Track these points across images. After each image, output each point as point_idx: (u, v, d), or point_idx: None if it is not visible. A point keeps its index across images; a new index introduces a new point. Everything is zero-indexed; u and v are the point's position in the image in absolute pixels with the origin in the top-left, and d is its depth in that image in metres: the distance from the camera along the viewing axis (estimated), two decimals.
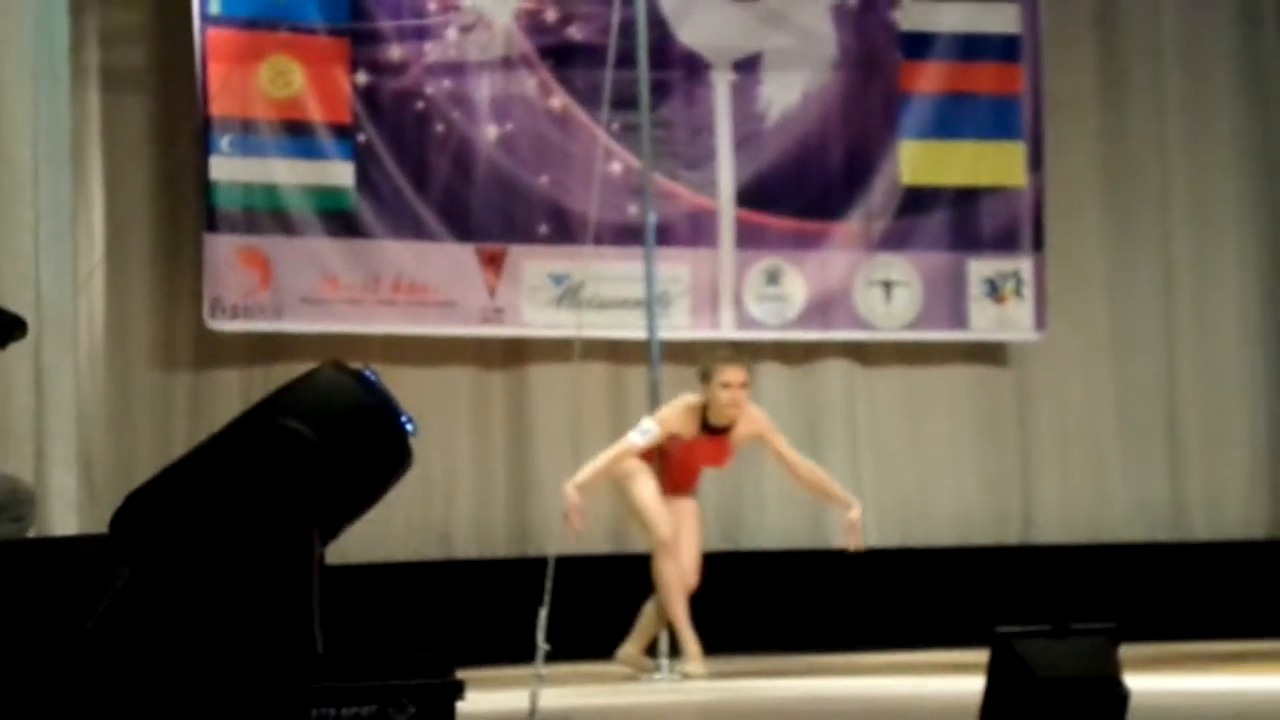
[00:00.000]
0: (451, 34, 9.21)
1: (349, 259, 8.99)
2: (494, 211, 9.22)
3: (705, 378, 7.62)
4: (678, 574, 7.62)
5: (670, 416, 7.61)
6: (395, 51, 9.12)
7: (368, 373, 4.30)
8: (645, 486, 7.63)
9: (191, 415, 8.84)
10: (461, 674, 4.13)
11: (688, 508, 7.69)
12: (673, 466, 7.65)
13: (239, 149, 8.80)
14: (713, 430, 7.62)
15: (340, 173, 8.99)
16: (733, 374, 7.60)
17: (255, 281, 8.83)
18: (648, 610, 7.73)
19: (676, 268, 8.92)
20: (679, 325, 9.16)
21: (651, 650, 7.71)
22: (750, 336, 9.33)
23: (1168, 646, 8.56)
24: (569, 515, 7.45)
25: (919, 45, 9.74)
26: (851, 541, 7.74)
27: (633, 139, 8.86)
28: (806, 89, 9.62)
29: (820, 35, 9.64)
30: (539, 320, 9.22)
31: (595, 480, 7.58)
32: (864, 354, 9.78)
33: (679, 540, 7.60)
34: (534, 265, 9.24)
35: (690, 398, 7.65)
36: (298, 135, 8.92)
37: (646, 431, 7.55)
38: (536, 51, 9.29)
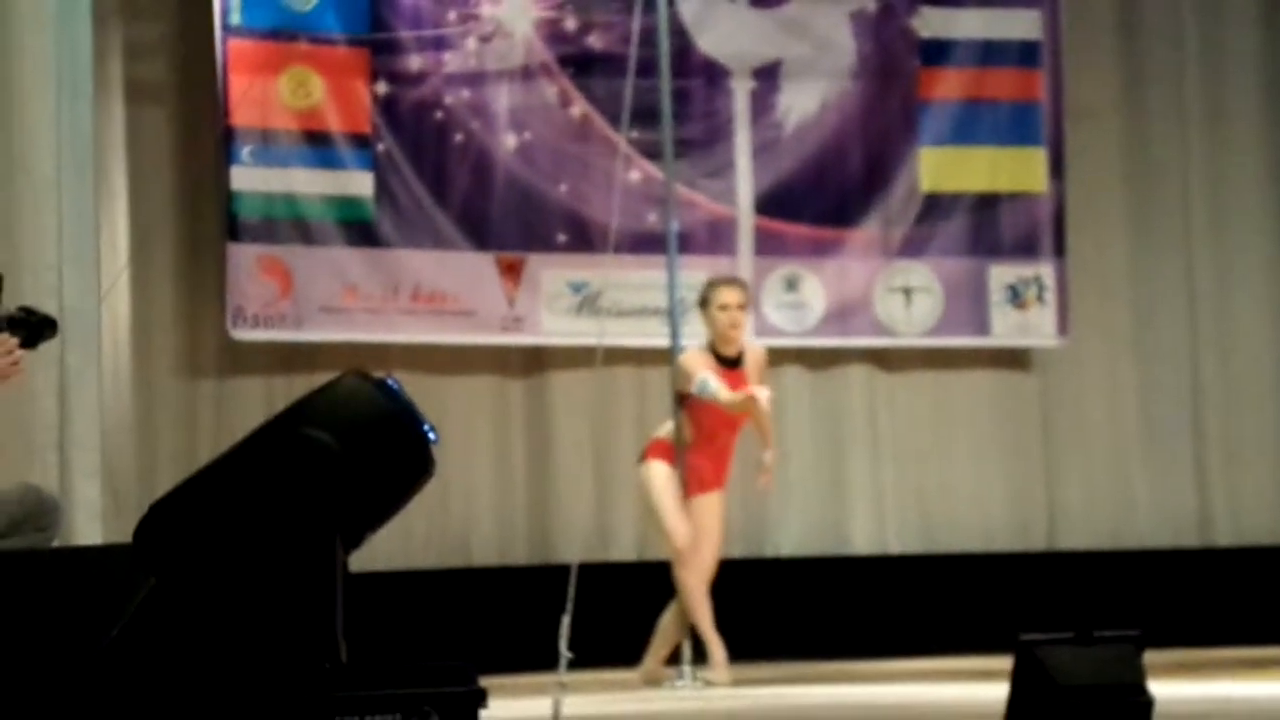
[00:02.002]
0: (471, 44, 9.23)
1: (368, 268, 9.01)
2: (513, 220, 9.23)
3: (703, 304, 7.71)
4: (699, 581, 7.62)
5: (696, 361, 7.62)
6: (414, 61, 9.13)
7: (390, 381, 4.31)
8: (666, 493, 7.64)
9: (215, 424, 8.86)
10: (484, 682, 4.13)
11: (712, 505, 7.68)
12: (700, 445, 7.62)
13: (260, 159, 8.82)
14: (726, 363, 7.64)
15: (360, 182, 9.01)
16: (729, 295, 7.69)
17: (276, 291, 8.85)
18: (664, 622, 7.73)
19: (695, 275, 8.89)
20: (696, 333, 9.16)
21: (674, 657, 7.71)
22: (769, 344, 9.31)
23: (1192, 653, 8.54)
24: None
25: (938, 52, 9.73)
26: (763, 480, 7.77)
27: (652, 147, 8.86)
28: (825, 97, 9.62)
29: (839, 43, 9.64)
30: (558, 329, 9.23)
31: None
32: (887, 359, 9.78)
33: (698, 544, 7.60)
34: (553, 274, 9.24)
35: (694, 346, 7.71)
36: (318, 145, 8.94)
37: (707, 380, 7.54)
38: (556, 61, 9.30)
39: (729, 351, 7.69)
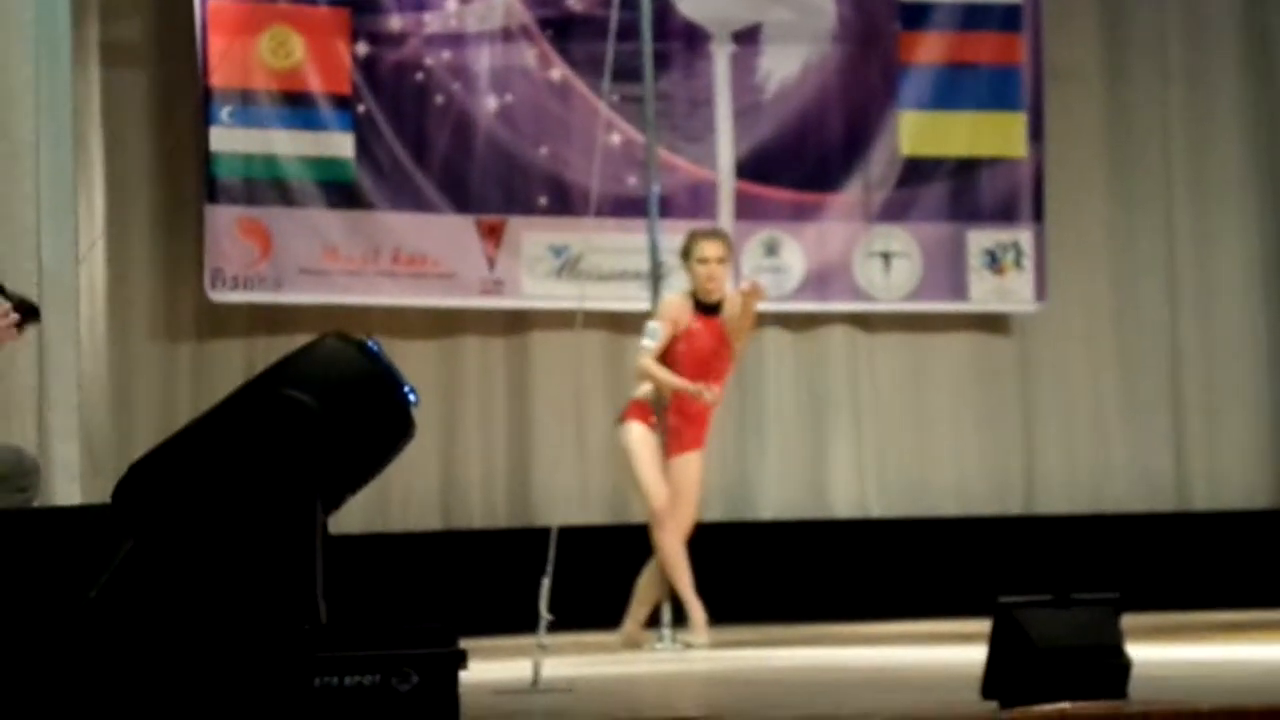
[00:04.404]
0: (451, 5, 9.20)
1: (349, 230, 8.99)
2: (493, 183, 9.21)
3: (685, 255, 7.77)
4: (677, 543, 7.64)
5: (667, 308, 7.70)
6: (395, 22, 9.10)
7: (370, 343, 4.31)
8: (644, 454, 7.66)
9: (193, 386, 8.84)
10: (464, 644, 4.14)
11: (691, 466, 7.69)
12: (679, 403, 7.63)
13: (239, 120, 8.79)
14: (705, 310, 7.69)
15: (340, 143, 8.98)
16: (708, 248, 7.74)
17: (255, 252, 8.83)
18: (641, 583, 7.75)
19: (675, 239, 8.90)
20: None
21: (654, 620, 7.73)
22: None
23: (1170, 616, 8.57)
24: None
25: (919, 15, 9.72)
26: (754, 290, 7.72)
27: (633, 111, 8.85)
28: (806, 60, 9.60)
29: (819, 6, 9.62)
30: (538, 292, 9.22)
31: (660, 388, 7.59)
32: (867, 321, 9.79)
33: (675, 504, 7.61)
34: (533, 237, 9.23)
35: (678, 293, 7.78)
36: (298, 106, 8.91)
37: (654, 332, 7.62)
38: (536, 23, 9.28)
39: (709, 300, 7.73)
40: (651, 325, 7.67)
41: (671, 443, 7.68)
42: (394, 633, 4.05)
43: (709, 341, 7.70)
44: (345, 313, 8.76)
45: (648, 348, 7.63)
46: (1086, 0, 10.09)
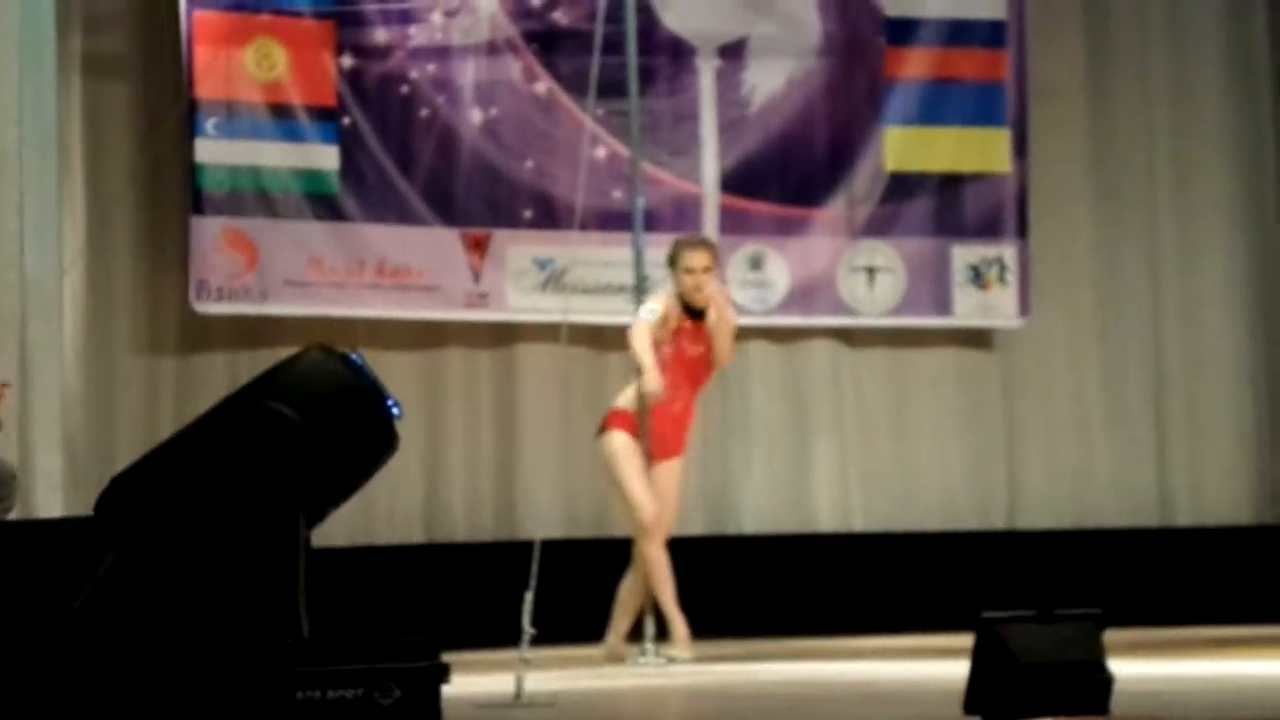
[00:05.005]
0: (436, 18, 9.20)
1: (334, 242, 8.98)
2: (478, 196, 9.21)
3: (671, 263, 7.79)
4: (663, 556, 7.63)
5: (663, 300, 7.72)
6: (380, 35, 9.11)
7: (354, 356, 4.31)
8: (629, 464, 7.64)
9: (177, 398, 8.83)
10: (447, 657, 4.14)
11: (672, 472, 7.70)
12: (661, 406, 7.63)
13: (224, 132, 8.79)
14: (693, 314, 7.73)
15: (325, 156, 8.98)
16: (694, 259, 7.74)
17: (241, 264, 8.82)
18: (622, 594, 7.74)
19: (660, 253, 8.92)
20: None
21: (637, 633, 7.72)
22: None
23: (1152, 632, 8.58)
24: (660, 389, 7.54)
25: (904, 31, 9.74)
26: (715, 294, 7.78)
27: (618, 125, 8.85)
28: (791, 75, 9.61)
29: (805, 21, 9.64)
30: (523, 305, 9.22)
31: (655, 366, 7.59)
32: (851, 336, 9.80)
33: (660, 511, 7.62)
34: (518, 250, 9.23)
35: (666, 294, 7.80)
36: (283, 118, 8.91)
37: (653, 310, 7.64)
38: (521, 36, 9.28)
39: (696, 306, 7.75)
40: (651, 304, 7.68)
41: (655, 447, 7.67)
42: (376, 646, 4.04)
43: (695, 345, 7.72)
44: (330, 325, 8.76)
45: (647, 319, 7.62)
46: (1071, 17, 10.12)
